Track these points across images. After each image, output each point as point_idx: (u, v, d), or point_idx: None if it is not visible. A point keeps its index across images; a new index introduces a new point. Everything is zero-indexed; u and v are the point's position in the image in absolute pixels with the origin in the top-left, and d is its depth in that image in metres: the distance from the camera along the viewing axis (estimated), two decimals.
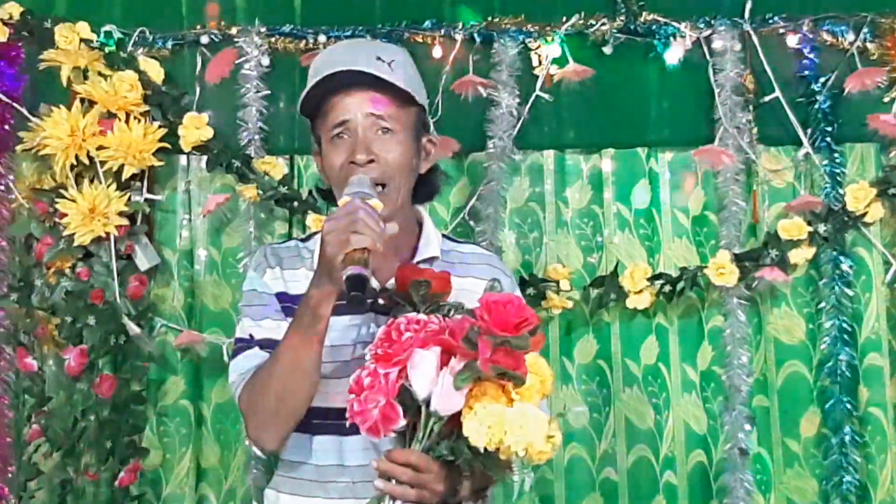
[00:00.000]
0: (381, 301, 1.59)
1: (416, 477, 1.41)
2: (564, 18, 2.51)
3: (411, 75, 1.63)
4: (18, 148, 2.45)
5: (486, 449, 1.36)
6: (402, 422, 1.38)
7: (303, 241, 1.73)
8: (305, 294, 1.48)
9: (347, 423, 1.40)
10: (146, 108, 2.46)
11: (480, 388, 1.37)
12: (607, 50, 2.52)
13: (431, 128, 1.68)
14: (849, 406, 2.46)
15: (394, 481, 1.42)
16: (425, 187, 1.70)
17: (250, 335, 1.63)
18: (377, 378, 1.37)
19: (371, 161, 1.55)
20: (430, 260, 1.66)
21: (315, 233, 1.70)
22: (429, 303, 1.47)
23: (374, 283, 1.52)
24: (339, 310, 1.50)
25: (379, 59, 1.57)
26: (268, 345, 1.59)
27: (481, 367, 1.33)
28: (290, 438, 1.62)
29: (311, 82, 1.60)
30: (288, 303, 1.62)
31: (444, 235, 1.75)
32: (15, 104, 2.43)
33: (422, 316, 1.42)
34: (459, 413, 1.37)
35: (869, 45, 2.50)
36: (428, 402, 1.37)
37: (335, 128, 1.58)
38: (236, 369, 1.62)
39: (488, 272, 1.67)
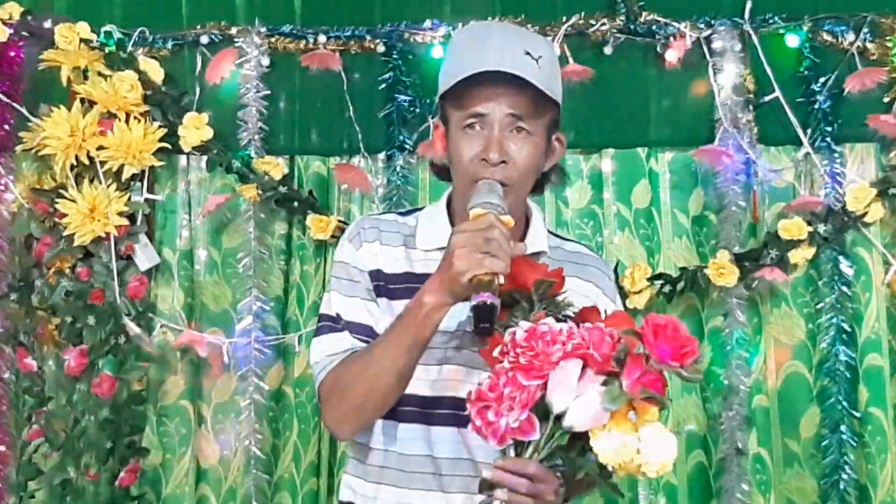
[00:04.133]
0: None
1: (533, 488, 1.33)
2: (564, 18, 2.51)
3: (555, 74, 1.57)
4: (18, 148, 2.46)
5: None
6: (536, 435, 1.31)
7: (402, 215, 1.65)
8: (417, 299, 1.41)
9: (470, 429, 1.33)
10: (146, 108, 2.46)
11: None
12: (607, 50, 2.52)
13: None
14: (848, 406, 2.46)
15: (506, 490, 1.33)
16: (541, 181, 1.63)
17: (338, 314, 1.55)
18: (517, 388, 1.30)
19: (503, 162, 1.49)
20: (538, 254, 1.59)
21: (415, 209, 1.66)
22: (546, 301, 1.40)
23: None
24: None
25: (527, 53, 1.50)
26: (357, 330, 1.53)
27: (629, 390, 1.27)
28: (375, 425, 1.56)
29: (453, 68, 1.50)
30: (381, 282, 1.55)
31: (549, 231, 1.68)
32: (15, 104, 2.43)
33: (564, 326, 1.33)
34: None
35: (869, 45, 2.50)
36: (560, 416, 1.31)
37: (470, 117, 1.50)
38: (321, 350, 1.55)
39: (592, 274, 1.62)
